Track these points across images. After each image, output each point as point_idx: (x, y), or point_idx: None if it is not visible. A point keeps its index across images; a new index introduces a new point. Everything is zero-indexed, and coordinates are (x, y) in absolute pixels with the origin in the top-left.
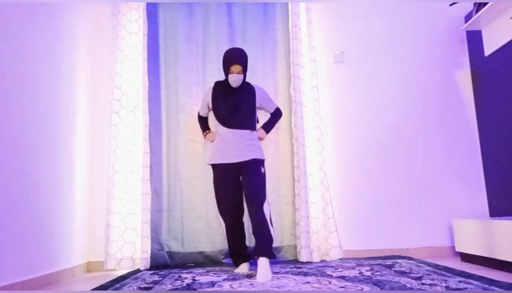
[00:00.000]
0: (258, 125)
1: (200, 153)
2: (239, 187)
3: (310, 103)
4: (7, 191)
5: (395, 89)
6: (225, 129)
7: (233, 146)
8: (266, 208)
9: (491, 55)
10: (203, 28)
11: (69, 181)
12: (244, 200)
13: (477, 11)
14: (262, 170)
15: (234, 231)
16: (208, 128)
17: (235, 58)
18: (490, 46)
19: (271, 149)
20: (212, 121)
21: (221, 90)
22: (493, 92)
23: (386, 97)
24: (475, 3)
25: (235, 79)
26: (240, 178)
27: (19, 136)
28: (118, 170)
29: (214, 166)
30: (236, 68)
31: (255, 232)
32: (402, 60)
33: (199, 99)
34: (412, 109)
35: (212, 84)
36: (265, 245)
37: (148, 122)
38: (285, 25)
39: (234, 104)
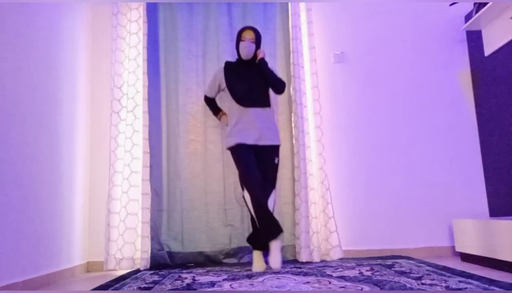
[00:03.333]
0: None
1: (200, 153)
2: (256, 162)
3: (310, 103)
4: (7, 190)
5: (394, 89)
6: (242, 108)
7: (251, 126)
8: (272, 197)
9: (491, 55)
10: (203, 28)
11: (69, 181)
12: None
13: (477, 11)
14: (276, 160)
15: (263, 201)
16: (220, 110)
17: (247, 26)
18: (490, 46)
19: None
20: (224, 102)
21: (234, 68)
22: (493, 92)
23: (386, 97)
24: (475, 3)
25: (246, 46)
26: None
27: (19, 137)
28: (118, 170)
29: (234, 146)
30: (248, 33)
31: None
32: (402, 60)
33: (199, 99)
34: (412, 109)
35: (223, 65)
36: (275, 227)
37: (148, 122)
38: (285, 25)
39: (249, 81)
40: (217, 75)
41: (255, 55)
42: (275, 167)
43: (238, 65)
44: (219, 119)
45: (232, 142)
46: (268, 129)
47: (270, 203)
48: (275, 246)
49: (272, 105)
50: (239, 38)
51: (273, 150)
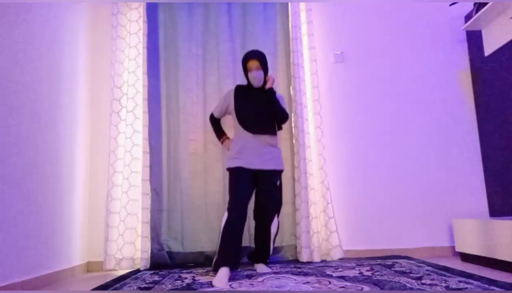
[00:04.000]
0: (279, 133)
1: (200, 153)
2: (252, 189)
3: (311, 103)
4: (7, 190)
5: (395, 89)
6: (248, 134)
7: (255, 152)
8: (275, 221)
9: (491, 55)
10: (203, 28)
11: (69, 181)
12: (254, 207)
13: (477, 11)
14: (278, 182)
15: (235, 226)
16: (224, 134)
17: (250, 54)
18: (490, 46)
19: None
20: (227, 123)
21: (244, 93)
22: (493, 92)
23: (386, 97)
24: (475, 3)
25: (255, 76)
26: (256, 184)
27: (19, 137)
28: (118, 170)
29: (234, 169)
30: (253, 63)
31: (258, 241)
32: (402, 60)
33: (199, 99)
34: (412, 109)
35: (233, 87)
36: (267, 255)
37: (148, 122)
38: (285, 25)
39: (257, 108)
40: (226, 97)
41: (265, 80)
42: (278, 189)
43: (248, 90)
44: (222, 143)
45: (233, 164)
46: (271, 154)
47: (273, 228)
48: (224, 272)
49: (276, 133)
50: (245, 68)
51: (275, 174)
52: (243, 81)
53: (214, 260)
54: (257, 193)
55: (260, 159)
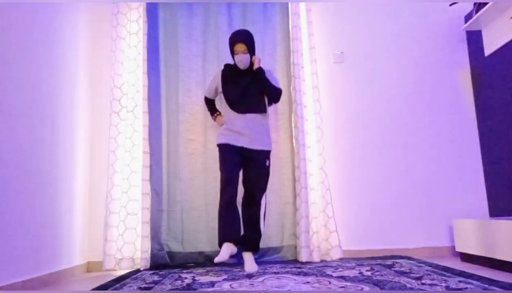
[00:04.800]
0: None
1: (200, 153)
2: (240, 165)
3: (311, 103)
4: (7, 190)
5: (395, 89)
6: (235, 114)
7: (243, 132)
8: (263, 201)
9: (491, 55)
10: (203, 28)
11: (69, 181)
12: (243, 187)
13: (477, 11)
14: (267, 162)
15: (229, 201)
16: (217, 110)
17: (237, 37)
18: (490, 46)
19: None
20: (220, 105)
21: (230, 73)
22: (493, 92)
23: (386, 97)
24: (475, 3)
25: (241, 60)
26: (244, 163)
27: (19, 136)
28: (118, 170)
29: (222, 145)
30: (240, 47)
31: (247, 225)
32: (402, 60)
33: (199, 99)
34: (412, 109)
35: (221, 67)
36: (254, 240)
37: (148, 122)
38: (285, 25)
39: (244, 88)
40: (215, 78)
41: (251, 61)
42: (267, 170)
43: (235, 69)
44: (215, 119)
45: (222, 140)
46: (259, 134)
47: (262, 210)
48: (225, 247)
49: (265, 111)
50: (232, 50)
51: (264, 154)
52: None
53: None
54: (245, 172)
55: (247, 138)
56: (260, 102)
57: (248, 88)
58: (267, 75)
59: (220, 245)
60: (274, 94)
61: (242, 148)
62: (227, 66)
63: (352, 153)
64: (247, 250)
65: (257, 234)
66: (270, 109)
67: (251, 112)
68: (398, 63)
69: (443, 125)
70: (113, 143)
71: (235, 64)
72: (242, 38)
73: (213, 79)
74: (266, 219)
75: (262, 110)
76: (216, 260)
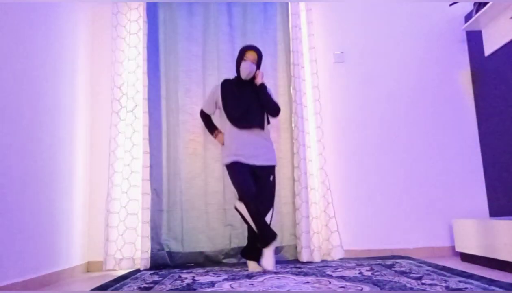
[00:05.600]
0: (276, 127)
1: (200, 153)
2: (253, 180)
3: (311, 103)
4: (7, 190)
5: (395, 89)
6: (238, 130)
7: (247, 147)
8: (269, 215)
9: (491, 55)
10: (203, 28)
11: (69, 181)
12: None
13: (477, 11)
14: (272, 177)
15: (257, 207)
16: (216, 128)
17: (251, 46)
18: (490, 46)
19: None
20: (218, 119)
21: (231, 88)
22: (493, 92)
23: (386, 97)
24: (475, 3)
25: (247, 67)
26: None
27: (19, 136)
28: (118, 170)
29: (230, 164)
30: (251, 54)
31: (254, 235)
32: (402, 60)
33: (199, 99)
34: (412, 109)
35: (220, 82)
36: (271, 235)
37: (148, 122)
38: (285, 25)
39: (246, 103)
40: (214, 93)
41: (254, 75)
42: (272, 185)
43: (235, 84)
44: (215, 137)
45: (229, 160)
46: (263, 148)
47: (267, 220)
48: (269, 250)
49: (266, 126)
50: (241, 57)
51: (269, 169)
52: None
53: (246, 247)
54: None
55: (251, 153)
56: (262, 117)
57: (249, 103)
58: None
59: (269, 241)
60: (274, 110)
61: (248, 165)
62: (226, 81)
63: (352, 152)
64: (253, 259)
65: (270, 228)
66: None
67: (254, 127)
68: (398, 63)
69: (443, 125)
70: (113, 143)
71: (234, 79)
72: (256, 48)
73: (211, 93)
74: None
75: (263, 125)
76: (268, 268)
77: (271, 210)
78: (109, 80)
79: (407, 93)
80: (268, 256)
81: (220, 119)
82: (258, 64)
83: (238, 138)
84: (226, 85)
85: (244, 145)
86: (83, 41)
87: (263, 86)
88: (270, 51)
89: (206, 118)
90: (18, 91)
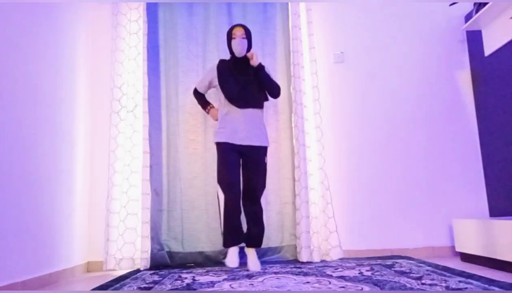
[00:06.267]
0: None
1: (200, 153)
2: (239, 164)
3: (311, 103)
4: (7, 190)
5: (395, 89)
6: (235, 108)
7: (242, 127)
8: (263, 199)
9: (491, 55)
10: (203, 28)
11: (69, 181)
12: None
13: (477, 11)
14: (265, 159)
15: (234, 205)
16: (209, 103)
17: (236, 24)
18: (490, 46)
19: (271, 149)
20: (214, 100)
21: (228, 67)
22: (493, 92)
23: (386, 97)
24: (475, 3)
25: (238, 43)
26: (242, 160)
27: (19, 136)
28: (118, 170)
29: (221, 144)
30: (238, 30)
31: (250, 221)
32: (402, 60)
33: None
34: (412, 109)
35: (216, 62)
36: (260, 237)
37: (148, 122)
38: (285, 25)
39: (244, 82)
40: (210, 72)
41: (247, 53)
42: (264, 166)
43: (232, 63)
44: (208, 112)
45: (220, 139)
46: (257, 129)
47: (263, 205)
48: (232, 251)
49: (262, 107)
50: (230, 37)
51: (262, 150)
52: None
53: (222, 238)
54: (244, 171)
55: (246, 134)
56: (259, 97)
57: (247, 83)
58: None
59: (226, 246)
60: (275, 89)
61: (240, 146)
62: (223, 60)
63: (352, 152)
64: (251, 246)
65: (262, 231)
66: (270, 109)
67: (250, 107)
68: (398, 63)
69: (443, 125)
70: (113, 143)
71: (230, 58)
72: (241, 24)
73: (207, 72)
74: (266, 219)
75: (261, 105)
76: (230, 265)
77: (264, 189)
78: (109, 80)
79: (407, 93)
80: (231, 254)
81: (216, 99)
82: (249, 42)
83: (232, 117)
84: (222, 65)
85: (239, 124)
86: (83, 41)
87: (261, 67)
88: (270, 51)
89: (199, 95)
90: (18, 91)
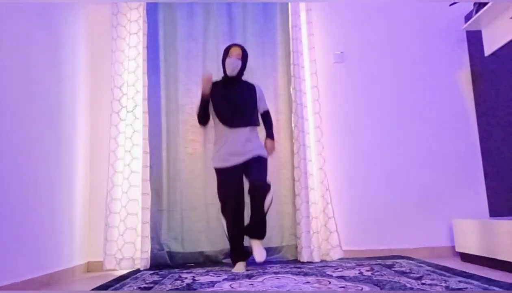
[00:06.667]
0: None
1: (200, 153)
2: (241, 187)
3: (310, 103)
4: (7, 190)
5: (395, 89)
6: (228, 129)
7: (236, 148)
8: (269, 196)
9: (491, 55)
10: (203, 28)
11: (69, 181)
12: (247, 191)
13: (477, 11)
14: (265, 155)
15: (235, 227)
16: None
17: (234, 43)
18: (490, 46)
19: None
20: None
21: (220, 88)
22: (493, 92)
23: (386, 97)
24: (475, 3)
25: (232, 62)
26: (244, 175)
27: (19, 136)
28: (118, 170)
29: (219, 169)
30: (235, 50)
31: (255, 216)
32: (402, 60)
33: (198, 99)
34: (412, 109)
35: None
36: (262, 229)
37: (148, 122)
38: (285, 25)
39: (235, 103)
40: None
41: (239, 72)
42: (266, 166)
43: (223, 84)
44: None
45: (218, 165)
46: (253, 144)
47: (268, 201)
48: (241, 266)
49: (258, 124)
50: (225, 55)
51: (258, 157)
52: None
53: (230, 253)
54: (246, 174)
55: (242, 152)
56: (252, 116)
57: (240, 104)
58: (260, 95)
59: (234, 263)
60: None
61: (236, 165)
62: (215, 83)
63: (352, 152)
64: (256, 237)
65: (264, 225)
66: (270, 109)
67: (243, 126)
68: (398, 63)
69: (443, 125)
70: (113, 143)
71: (221, 80)
72: (240, 45)
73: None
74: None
75: (255, 122)
76: (237, 272)
77: (270, 194)
78: (109, 80)
79: (406, 93)
80: (239, 268)
81: (212, 118)
82: (244, 61)
83: (228, 138)
84: (215, 86)
85: (234, 145)
86: (83, 41)
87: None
88: (270, 51)
89: (203, 122)
90: (18, 91)
